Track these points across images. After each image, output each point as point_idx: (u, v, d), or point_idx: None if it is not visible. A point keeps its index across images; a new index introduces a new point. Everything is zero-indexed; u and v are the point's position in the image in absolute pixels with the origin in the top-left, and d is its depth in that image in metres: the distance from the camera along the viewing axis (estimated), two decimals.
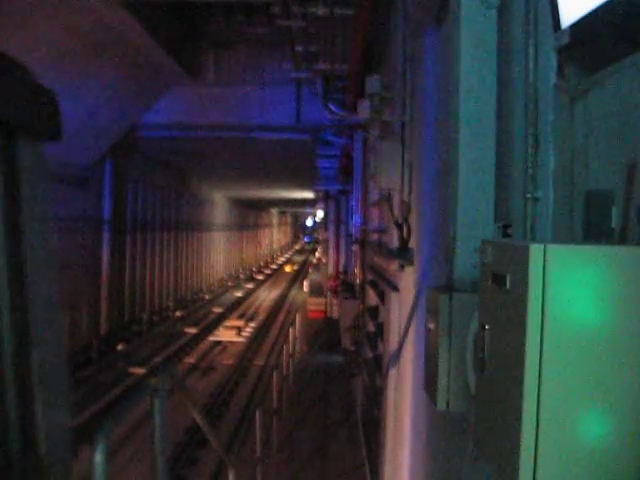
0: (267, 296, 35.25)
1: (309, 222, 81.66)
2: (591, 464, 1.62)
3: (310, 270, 40.44)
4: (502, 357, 1.83)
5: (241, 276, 43.54)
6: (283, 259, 67.61)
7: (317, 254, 51.66)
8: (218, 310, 28.00)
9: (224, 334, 22.09)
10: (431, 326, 2.75)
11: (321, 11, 8.54)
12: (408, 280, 5.03)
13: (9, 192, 1.90)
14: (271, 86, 14.40)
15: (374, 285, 8.88)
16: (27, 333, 1.87)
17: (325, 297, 24.08)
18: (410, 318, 4.89)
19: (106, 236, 18.22)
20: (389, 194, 5.81)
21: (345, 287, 17.09)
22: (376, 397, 7.88)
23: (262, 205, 53.92)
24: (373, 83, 5.58)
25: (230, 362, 18.09)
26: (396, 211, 5.36)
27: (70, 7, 9.12)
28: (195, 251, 30.99)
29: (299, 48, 10.68)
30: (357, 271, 13.59)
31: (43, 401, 1.90)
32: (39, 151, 2.08)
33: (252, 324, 24.80)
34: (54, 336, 2.03)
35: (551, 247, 1.61)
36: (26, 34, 8.94)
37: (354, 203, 14.89)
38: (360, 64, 8.68)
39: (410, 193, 5.04)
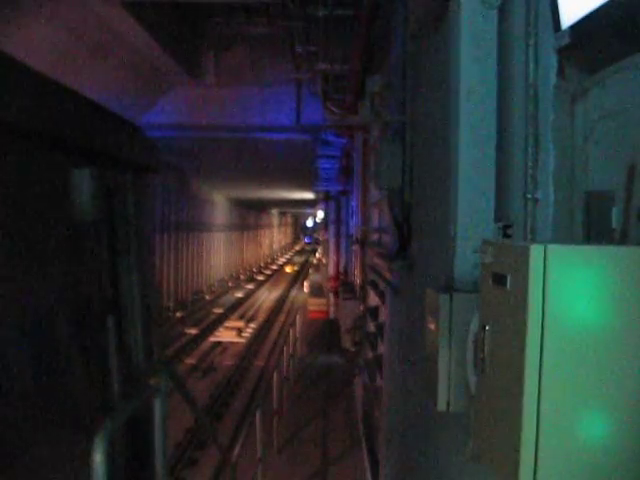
0: (267, 297, 35.26)
1: (309, 223, 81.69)
2: (591, 464, 1.62)
3: (310, 271, 40.44)
4: (502, 357, 1.83)
5: (241, 277, 43.53)
6: (284, 259, 67.62)
7: (317, 255, 51.67)
8: (218, 311, 27.99)
9: (224, 335, 22.09)
10: (431, 326, 2.75)
11: (321, 12, 8.54)
12: (408, 280, 5.03)
13: (138, 209, 3.24)
14: (271, 86, 14.39)
15: (374, 285, 8.88)
16: (148, 293, 3.35)
17: (326, 298, 24.08)
18: (410, 318, 4.88)
19: None
20: (389, 194, 5.80)
21: (345, 288, 17.10)
22: (376, 397, 7.88)
23: (262, 206, 53.91)
24: (373, 83, 5.58)
25: (231, 363, 18.09)
26: (396, 211, 5.36)
27: (69, 7, 9.13)
28: (195, 252, 30.98)
29: (299, 48, 10.68)
30: (357, 271, 13.60)
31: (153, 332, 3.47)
32: (152, 182, 3.55)
33: (253, 325, 24.80)
34: (156, 294, 4.43)
35: (552, 247, 1.61)
36: (25, 35, 8.95)
37: (354, 204, 14.90)
38: (360, 64, 8.67)
39: (410, 193, 5.04)
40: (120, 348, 3.08)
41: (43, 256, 2.58)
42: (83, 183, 2.79)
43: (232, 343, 21.09)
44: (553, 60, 2.36)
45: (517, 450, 1.63)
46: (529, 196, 2.40)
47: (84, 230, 2.81)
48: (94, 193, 2.83)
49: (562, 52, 2.29)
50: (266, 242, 62.49)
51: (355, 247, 13.67)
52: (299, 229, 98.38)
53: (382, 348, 7.43)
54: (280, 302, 32.53)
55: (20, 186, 2.38)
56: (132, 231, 3.20)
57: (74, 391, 2.81)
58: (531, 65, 2.41)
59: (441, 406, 2.64)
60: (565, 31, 2.17)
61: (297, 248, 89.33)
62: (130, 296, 3.23)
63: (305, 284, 32.94)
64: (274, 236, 71.16)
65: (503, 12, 2.78)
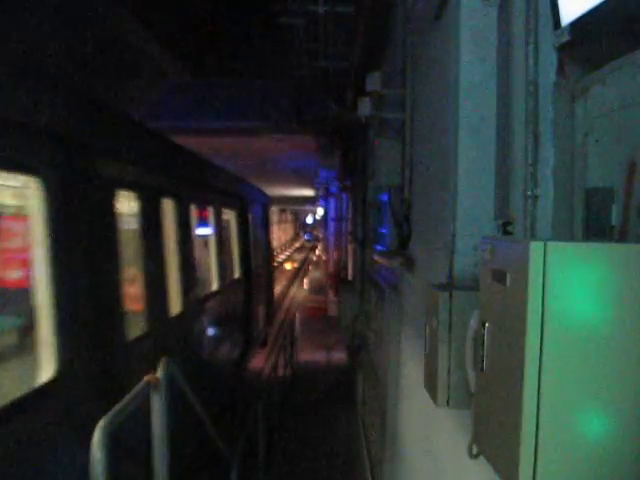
0: None
1: (309, 220, 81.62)
2: (591, 460, 1.62)
3: (310, 268, 40.41)
4: (502, 354, 1.83)
5: None
6: (283, 257, 67.53)
7: (317, 252, 51.64)
8: None
9: None
10: (431, 324, 2.75)
11: (322, 9, 8.54)
12: (408, 278, 5.03)
13: (266, 219, 14.21)
14: (272, 83, 14.40)
15: (374, 283, 8.88)
16: (271, 264, 16.45)
17: (325, 295, 24.10)
18: (410, 316, 4.89)
19: None
20: (389, 192, 5.80)
21: (345, 285, 17.09)
22: (377, 394, 7.88)
23: None
24: (373, 80, 5.56)
25: None
26: (396, 209, 5.36)
27: (67, 3, 9.11)
28: None
29: (300, 45, 10.68)
30: (357, 269, 13.59)
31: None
32: (269, 209, 15.18)
33: None
34: (272, 262, 17.71)
35: (552, 244, 1.61)
36: (24, 33, 8.93)
37: (354, 201, 14.89)
38: (360, 61, 8.67)
39: (410, 191, 5.04)
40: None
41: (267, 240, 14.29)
42: (261, 211, 13.03)
43: None
44: (553, 57, 2.36)
45: (517, 446, 1.63)
46: (529, 193, 2.41)
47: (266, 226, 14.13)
48: (265, 216, 13.83)
49: (562, 49, 2.29)
50: None
51: (355, 245, 13.66)
52: (299, 226, 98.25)
53: (382, 346, 7.44)
54: (279, 299, 32.50)
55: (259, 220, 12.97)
56: (267, 224, 14.22)
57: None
58: (531, 62, 2.41)
59: (441, 403, 2.65)
60: (565, 28, 2.17)
61: (297, 245, 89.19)
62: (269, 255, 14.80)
63: (305, 281, 32.92)
64: (273, 233, 70.96)
65: (503, 9, 2.78)
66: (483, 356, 1.99)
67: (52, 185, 3.30)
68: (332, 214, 26.01)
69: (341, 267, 21.70)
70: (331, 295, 22.83)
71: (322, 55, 9.84)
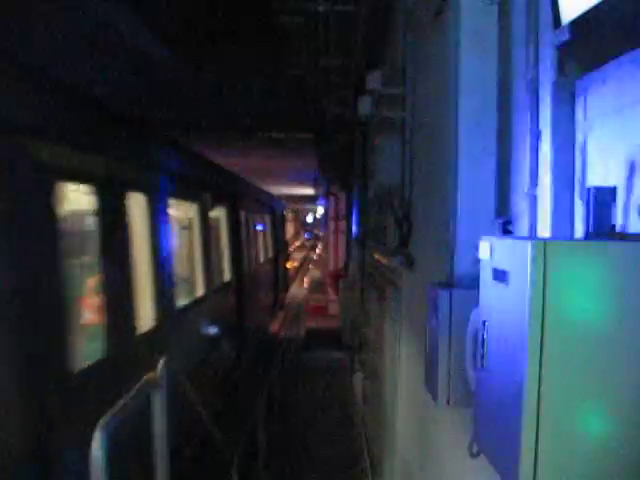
0: None
1: (309, 218, 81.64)
2: (591, 458, 1.62)
3: (310, 266, 40.38)
4: (502, 353, 1.83)
5: None
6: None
7: (317, 250, 51.59)
8: None
9: None
10: (432, 322, 2.76)
11: (321, 7, 8.52)
12: (409, 277, 5.03)
13: (283, 220, 22.55)
14: (271, 82, 14.37)
15: (375, 282, 8.88)
16: (287, 251, 26.05)
17: (325, 293, 24.11)
18: (410, 314, 4.89)
19: None
20: (389, 191, 5.81)
21: (346, 283, 17.09)
22: (377, 393, 7.89)
23: None
24: (373, 79, 5.56)
25: None
26: (396, 208, 5.36)
27: (69, 3, 9.09)
28: None
29: (299, 44, 10.65)
30: (357, 268, 13.59)
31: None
32: (283, 213, 23.80)
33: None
34: (287, 250, 27.72)
35: (552, 243, 1.61)
36: (26, 33, 8.91)
37: (354, 200, 14.90)
38: (360, 60, 8.67)
39: (411, 189, 5.03)
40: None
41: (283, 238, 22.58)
42: (280, 214, 21.04)
43: None
44: (553, 56, 2.36)
45: (517, 445, 1.64)
46: (529, 192, 2.40)
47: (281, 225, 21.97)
48: (282, 217, 22.05)
49: (562, 48, 2.29)
50: None
51: (355, 243, 13.67)
52: (299, 225, 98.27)
53: (383, 344, 7.44)
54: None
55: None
56: (283, 223, 22.18)
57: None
58: (531, 61, 2.41)
59: (441, 401, 2.65)
60: (565, 27, 2.17)
61: (297, 244, 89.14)
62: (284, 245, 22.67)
63: (305, 280, 32.92)
64: None
65: (503, 8, 2.78)
66: (483, 355, 1.99)
67: (229, 211, 9.96)
68: (332, 213, 26.00)
69: (341, 266, 21.71)
70: (331, 294, 22.84)
71: (322, 54, 9.81)
